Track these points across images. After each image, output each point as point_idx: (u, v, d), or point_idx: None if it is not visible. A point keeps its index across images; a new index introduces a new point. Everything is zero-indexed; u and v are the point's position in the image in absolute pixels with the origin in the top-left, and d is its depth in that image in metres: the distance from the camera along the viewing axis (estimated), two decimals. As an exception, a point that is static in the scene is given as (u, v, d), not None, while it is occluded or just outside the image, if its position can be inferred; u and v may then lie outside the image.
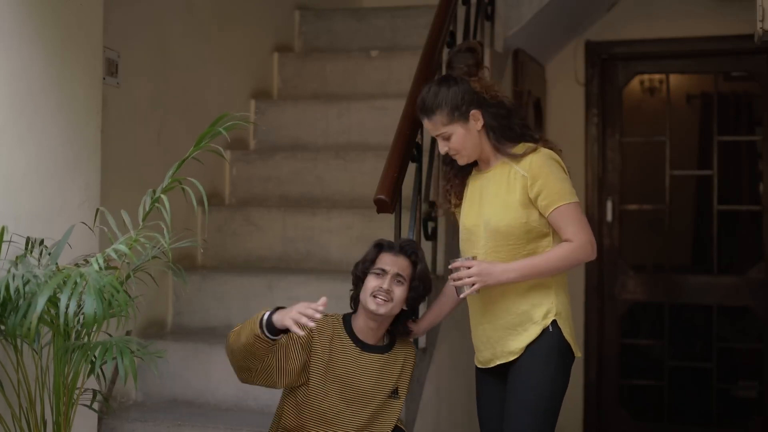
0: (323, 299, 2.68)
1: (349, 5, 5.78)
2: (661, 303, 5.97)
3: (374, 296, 2.88)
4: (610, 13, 5.77)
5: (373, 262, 2.94)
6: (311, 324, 2.64)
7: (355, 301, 3.01)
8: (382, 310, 2.88)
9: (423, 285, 2.97)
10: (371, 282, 2.90)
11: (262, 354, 2.75)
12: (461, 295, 2.81)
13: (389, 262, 2.93)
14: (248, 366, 2.79)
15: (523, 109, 5.16)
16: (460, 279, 2.77)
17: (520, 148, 2.81)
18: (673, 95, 6.11)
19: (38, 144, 3.01)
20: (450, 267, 2.81)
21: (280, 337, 2.72)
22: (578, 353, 2.86)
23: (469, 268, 2.75)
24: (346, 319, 3.00)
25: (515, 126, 2.84)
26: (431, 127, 2.86)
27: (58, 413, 2.65)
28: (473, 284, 2.75)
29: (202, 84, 4.34)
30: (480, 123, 2.81)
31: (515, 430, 2.76)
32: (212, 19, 4.44)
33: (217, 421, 3.39)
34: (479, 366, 2.96)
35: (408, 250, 2.97)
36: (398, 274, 2.91)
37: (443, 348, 3.78)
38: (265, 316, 2.69)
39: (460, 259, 2.80)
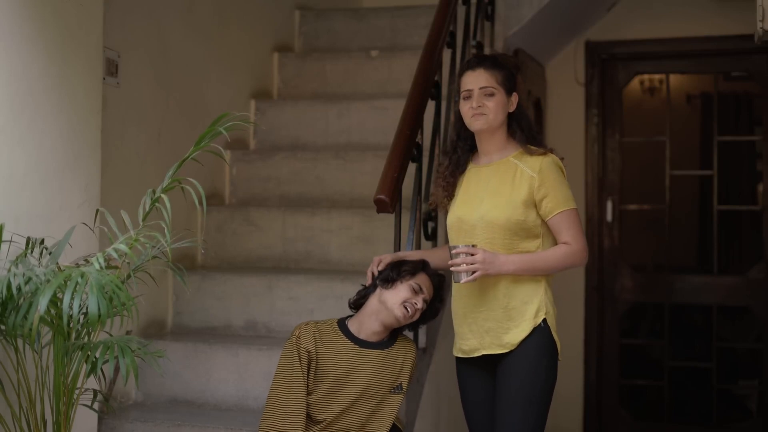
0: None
1: (349, 5, 5.78)
2: (661, 303, 5.96)
3: (405, 306, 2.94)
4: (610, 14, 5.76)
5: (413, 274, 2.98)
6: None
7: (357, 302, 3.05)
8: (405, 322, 2.98)
9: (431, 315, 3.07)
10: (405, 292, 2.95)
11: None
12: (462, 281, 2.80)
13: (425, 282, 2.99)
14: None
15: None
16: (459, 265, 2.78)
17: (531, 147, 2.92)
18: (673, 95, 6.10)
19: (38, 144, 3.01)
20: (452, 252, 2.81)
21: None
22: (560, 356, 2.90)
23: (472, 255, 2.77)
24: (341, 323, 3.04)
25: (527, 127, 2.97)
26: (483, 78, 2.91)
27: (58, 413, 2.65)
28: (474, 272, 2.77)
29: (202, 84, 4.34)
30: (514, 107, 2.93)
31: (507, 426, 2.79)
32: (212, 19, 4.44)
33: (217, 421, 3.39)
34: (461, 356, 2.98)
35: (437, 282, 3.04)
36: (426, 298, 2.99)
37: (443, 348, 3.77)
38: None
39: (462, 245, 2.80)
